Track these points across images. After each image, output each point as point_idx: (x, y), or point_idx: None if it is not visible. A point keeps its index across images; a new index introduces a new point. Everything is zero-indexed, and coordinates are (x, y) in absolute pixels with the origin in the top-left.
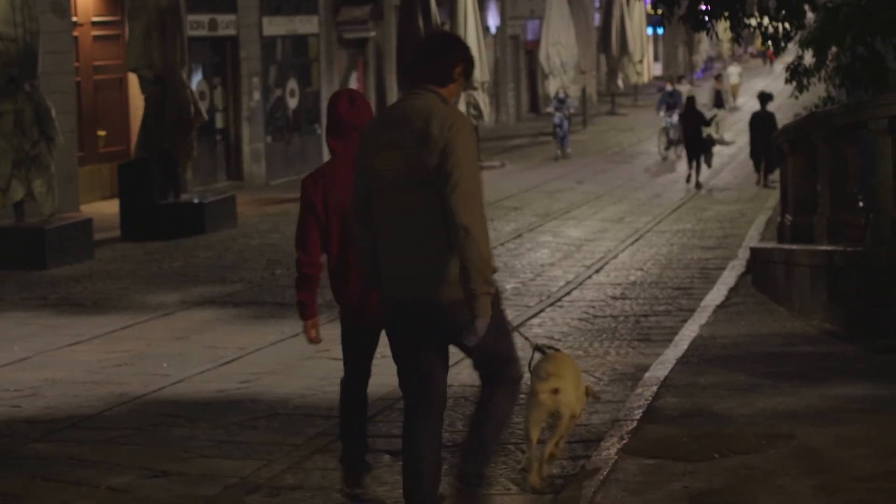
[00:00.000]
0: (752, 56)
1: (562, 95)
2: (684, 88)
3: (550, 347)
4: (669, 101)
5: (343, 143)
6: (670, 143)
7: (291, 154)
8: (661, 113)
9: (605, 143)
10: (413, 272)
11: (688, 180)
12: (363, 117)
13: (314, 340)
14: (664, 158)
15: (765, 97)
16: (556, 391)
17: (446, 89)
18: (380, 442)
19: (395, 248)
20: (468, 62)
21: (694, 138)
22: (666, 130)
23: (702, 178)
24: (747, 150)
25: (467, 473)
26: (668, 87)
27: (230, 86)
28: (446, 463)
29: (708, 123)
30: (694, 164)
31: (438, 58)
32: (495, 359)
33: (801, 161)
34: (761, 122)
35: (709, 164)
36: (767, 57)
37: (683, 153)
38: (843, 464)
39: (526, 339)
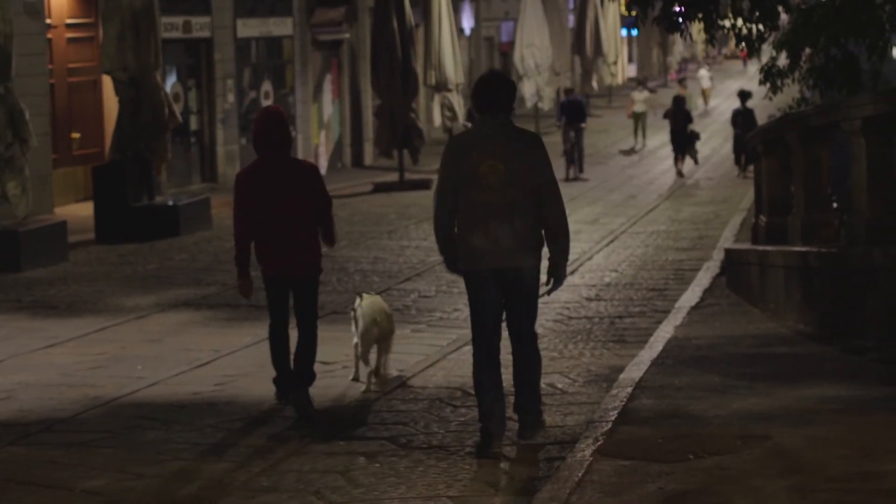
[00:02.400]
0: (727, 58)
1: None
2: (641, 95)
3: (367, 292)
4: (569, 113)
5: (260, 151)
6: (570, 161)
7: None
8: (562, 124)
9: None
10: (512, 247)
11: (678, 174)
12: (269, 129)
13: (247, 294)
14: (567, 178)
15: (744, 94)
16: (384, 318)
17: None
18: (354, 444)
19: (496, 229)
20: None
21: (680, 134)
22: (566, 145)
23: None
24: (721, 151)
25: (531, 412)
26: (563, 98)
27: (204, 88)
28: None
29: (692, 120)
30: (679, 156)
31: (511, 93)
32: (533, 317)
33: (776, 162)
34: (741, 118)
35: (695, 160)
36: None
37: (581, 173)
38: (817, 464)
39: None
